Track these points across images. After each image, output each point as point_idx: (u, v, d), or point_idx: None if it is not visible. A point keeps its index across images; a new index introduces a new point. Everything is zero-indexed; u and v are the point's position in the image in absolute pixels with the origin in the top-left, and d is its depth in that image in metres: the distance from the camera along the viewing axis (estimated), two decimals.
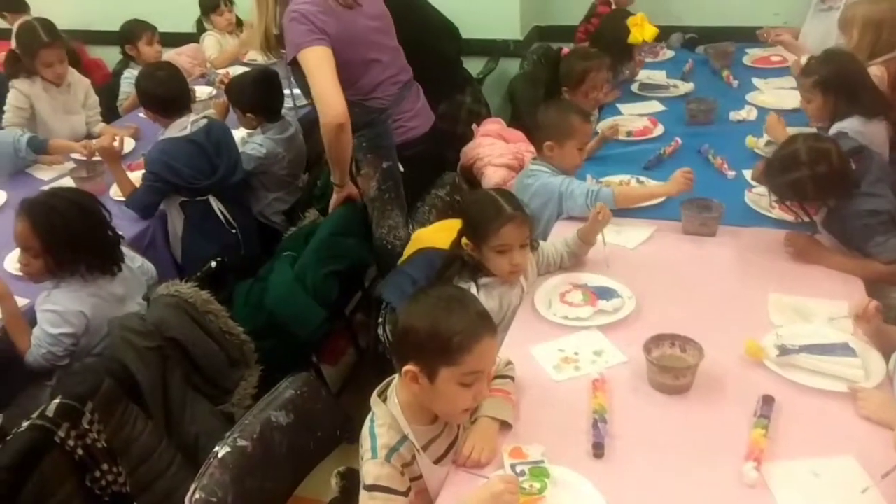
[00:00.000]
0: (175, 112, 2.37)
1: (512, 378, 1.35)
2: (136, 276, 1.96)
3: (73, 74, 2.86)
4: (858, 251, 1.66)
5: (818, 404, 1.29)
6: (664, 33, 3.07)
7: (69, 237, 1.74)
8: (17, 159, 2.61)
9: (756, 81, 2.86)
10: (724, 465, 1.17)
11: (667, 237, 1.87)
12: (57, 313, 1.76)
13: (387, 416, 1.20)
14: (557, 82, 2.61)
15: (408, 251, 2.01)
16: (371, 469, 1.16)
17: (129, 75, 3.19)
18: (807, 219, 1.72)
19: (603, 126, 2.49)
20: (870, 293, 1.57)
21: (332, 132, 2.00)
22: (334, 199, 2.27)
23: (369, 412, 1.24)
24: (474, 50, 3.38)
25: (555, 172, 2.02)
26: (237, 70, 3.34)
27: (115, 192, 2.41)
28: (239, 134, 2.68)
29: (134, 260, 1.98)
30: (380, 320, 1.87)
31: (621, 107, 2.78)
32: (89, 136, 2.84)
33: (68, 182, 2.44)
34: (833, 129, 1.98)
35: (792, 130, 2.12)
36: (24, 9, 3.81)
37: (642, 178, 2.15)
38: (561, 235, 1.82)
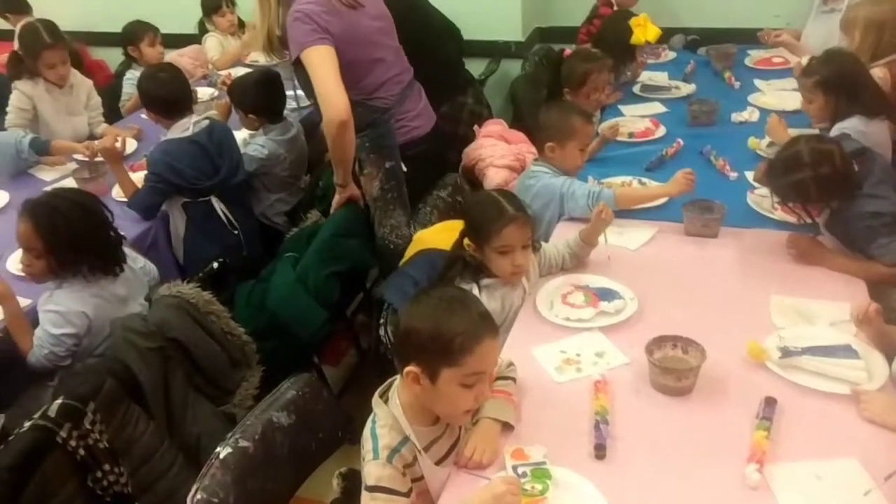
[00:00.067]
0: (177, 113, 2.37)
1: (514, 379, 1.35)
2: (138, 277, 1.96)
3: (76, 76, 2.87)
4: (861, 253, 1.66)
5: (821, 406, 1.29)
6: (666, 35, 3.07)
7: (71, 238, 1.74)
8: (20, 160, 2.61)
9: (758, 83, 2.86)
10: (727, 467, 1.17)
11: (669, 238, 1.86)
12: (59, 314, 1.76)
13: (388, 416, 1.20)
14: (559, 84, 2.61)
15: (409, 252, 2.01)
16: (372, 470, 1.16)
17: (132, 76, 3.19)
18: (809, 220, 1.72)
19: (603, 127, 2.49)
20: (872, 295, 1.57)
21: (334, 130, 2.01)
22: (336, 199, 2.27)
23: (371, 413, 1.24)
24: (476, 51, 3.38)
25: (556, 173, 2.02)
26: (239, 71, 3.35)
27: (118, 193, 2.41)
28: (241, 135, 2.68)
29: (136, 261, 1.98)
30: (381, 321, 1.87)
31: (623, 108, 2.78)
32: (91, 137, 2.84)
33: (70, 183, 2.44)
34: (834, 129, 1.98)
35: (793, 132, 2.12)
36: (27, 10, 3.82)
37: (644, 180, 2.15)
38: (562, 237, 1.82)
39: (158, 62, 3.07)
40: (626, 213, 1.92)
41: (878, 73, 2.18)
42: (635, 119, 2.63)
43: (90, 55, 4.02)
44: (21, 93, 2.71)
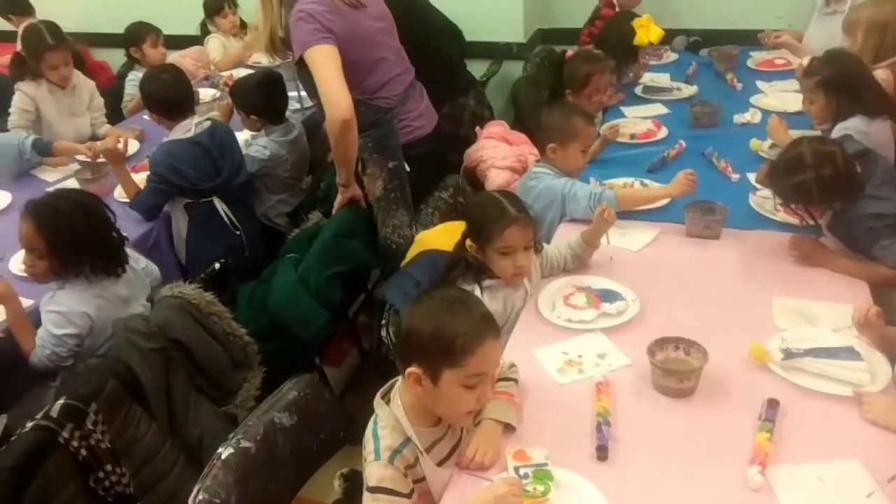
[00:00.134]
0: (179, 114, 2.37)
1: (515, 380, 1.35)
2: (140, 278, 1.97)
3: (78, 77, 2.87)
4: (864, 254, 1.66)
5: (823, 408, 1.28)
6: (668, 36, 3.07)
7: (74, 238, 1.75)
8: (22, 161, 2.62)
9: (760, 84, 2.85)
10: (729, 469, 1.17)
11: (671, 240, 1.86)
12: (61, 314, 1.76)
13: (390, 417, 1.20)
14: (561, 85, 2.61)
15: (411, 253, 2.01)
16: (374, 471, 1.16)
17: (134, 77, 3.20)
18: (812, 222, 1.72)
19: (604, 128, 2.49)
20: (875, 296, 1.57)
21: (338, 129, 2.01)
22: (339, 199, 2.27)
23: (372, 414, 1.24)
24: (477, 53, 3.38)
25: (558, 174, 2.02)
26: (241, 72, 3.36)
27: (120, 194, 2.42)
28: (242, 136, 2.69)
29: (138, 261, 1.99)
30: (383, 322, 1.87)
31: (625, 109, 2.78)
32: (94, 137, 2.85)
33: (73, 184, 2.45)
34: (836, 130, 1.98)
35: (795, 133, 2.11)
36: (30, 11, 3.83)
37: (646, 181, 2.15)
38: (564, 238, 1.82)
39: (160, 63, 3.07)
40: (627, 214, 1.92)
41: (881, 74, 2.18)
42: (637, 120, 2.63)
43: (92, 56, 4.03)
44: (24, 94, 2.72)
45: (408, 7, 2.55)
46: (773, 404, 1.27)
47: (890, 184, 1.69)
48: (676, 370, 1.33)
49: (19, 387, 1.83)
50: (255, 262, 2.40)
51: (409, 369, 1.16)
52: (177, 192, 2.33)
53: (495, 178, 2.52)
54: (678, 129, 2.51)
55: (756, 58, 3.12)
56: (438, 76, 2.55)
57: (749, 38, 3.15)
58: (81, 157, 2.62)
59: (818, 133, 2.07)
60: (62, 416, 1.42)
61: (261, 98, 2.61)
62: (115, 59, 3.85)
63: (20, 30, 3.20)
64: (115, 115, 3.14)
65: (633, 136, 2.49)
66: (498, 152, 2.60)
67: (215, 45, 3.73)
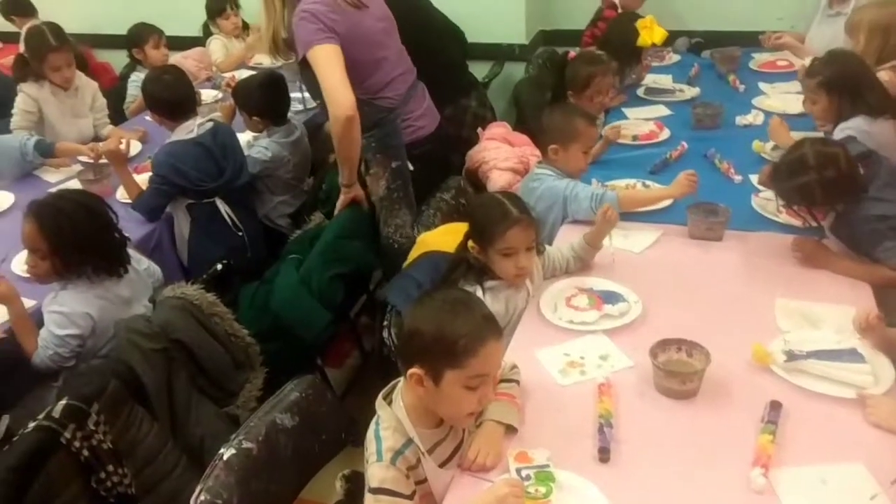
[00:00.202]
0: (181, 115, 2.38)
1: (517, 382, 1.35)
2: (143, 279, 1.97)
3: (81, 78, 2.88)
4: (866, 256, 1.65)
5: (826, 410, 1.28)
6: (670, 38, 3.07)
7: (76, 239, 1.75)
8: (25, 163, 2.62)
9: (762, 86, 2.85)
10: (731, 471, 1.16)
11: (673, 241, 1.86)
12: (63, 315, 1.77)
13: (392, 419, 1.20)
14: (563, 86, 2.61)
15: (413, 255, 2.01)
16: (376, 472, 1.16)
17: (136, 78, 3.21)
18: (814, 223, 1.72)
19: (606, 130, 2.49)
20: (878, 298, 1.56)
21: (341, 126, 2.02)
22: (341, 200, 2.27)
23: (374, 415, 1.23)
24: (479, 54, 3.38)
25: (560, 176, 2.02)
26: (243, 74, 3.36)
27: (122, 195, 2.42)
28: (244, 137, 2.69)
29: (140, 262, 1.99)
30: (385, 323, 1.87)
31: (627, 111, 2.78)
32: (97, 138, 2.85)
33: (75, 184, 2.45)
34: (838, 130, 1.97)
35: (797, 135, 2.11)
36: (33, 13, 3.84)
37: (648, 183, 2.15)
38: (566, 240, 1.82)
39: (163, 64, 3.08)
40: (630, 216, 1.92)
41: (884, 76, 2.17)
42: (639, 122, 2.63)
43: (95, 57, 4.04)
44: (26, 95, 2.72)
45: (409, 8, 2.55)
46: (775, 406, 1.27)
47: (893, 185, 1.68)
48: (679, 372, 1.33)
49: (21, 387, 1.83)
50: (257, 263, 2.40)
51: (411, 370, 1.16)
52: (179, 193, 2.33)
53: (497, 180, 2.52)
54: (680, 130, 2.51)
55: (758, 59, 3.12)
56: (440, 77, 2.55)
57: (751, 40, 3.15)
58: (83, 158, 2.62)
59: (821, 135, 2.06)
60: (64, 416, 1.42)
61: (263, 99, 2.61)
62: (117, 60, 3.86)
63: (23, 31, 3.22)
64: (117, 116, 3.15)
65: (635, 138, 2.49)
66: (500, 154, 2.60)
67: (217, 47, 3.74)
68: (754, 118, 2.53)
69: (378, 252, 2.31)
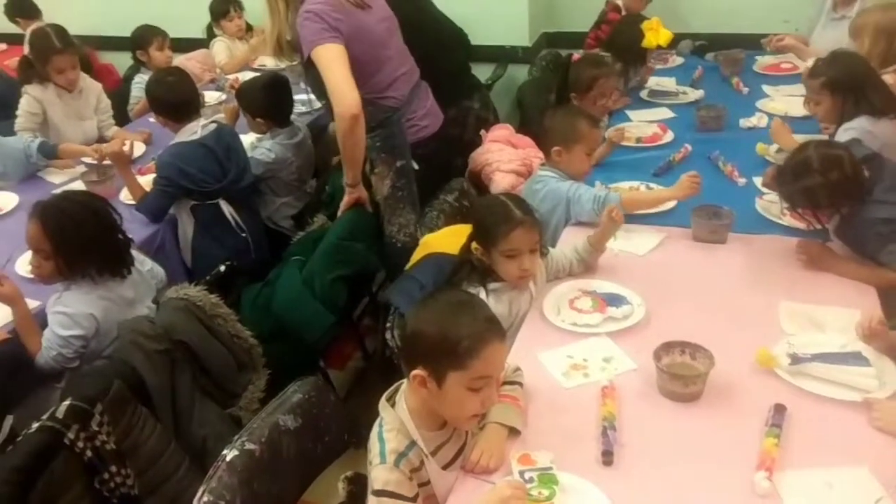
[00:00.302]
0: (185, 117, 2.38)
1: (520, 384, 1.35)
2: (146, 280, 1.97)
3: (85, 80, 2.89)
4: (871, 259, 1.65)
5: (831, 414, 1.28)
6: (674, 40, 3.06)
7: (80, 240, 1.75)
8: (29, 164, 2.63)
9: (766, 88, 2.85)
10: (735, 475, 1.16)
11: (677, 244, 1.86)
12: (67, 315, 1.77)
13: (395, 420, 1.20)
14: (566, 89, 2.61)
15: (416, 256, 2.01)
16: (380, 474, 1.16)
17: (140, 80, 3.21)
18: (819, 226, 1.71)
19: (610, 132, 2.49)
20: (882, 301, 1.56)
21: (346, 124, 2.02)
22: (345, 200, 2.28)
23: (376, 417, 1.23)
24: (483, 56, 3.38)
25: (563, 178, 2.02)
26: (247, 75, 3.37)
27: (126, 196, 2.42)
28: (248, 139, 2.70)
29: (144, 263, 1.99)
30: (388, 325, 1.87)
31: (631, 113, 2.78)
32: (101, 140, 2.86)
33: (79, 186, 2.46)
34: (840, 130, 1.97)
35: (799, 137, 2.11)
36: (37, 15, 3.86)
37: (652, 185, 2.14)
38: (569, 242, 1.82)
39: (167, 66, 3.08)
40: (633, 218, 1.92)
41: (889, 79, 2.17)
42: (643, 124, 2.63)
43: (99, 59, 4.05)
44: (31, 97, 2.73)
45: (413, 10, 2.56)
46: (780, 409, 1.26)
47: None
48: (682, 375, 1.33)
49: (25, 388, 1.83)
50: (260, 264, 2.40)
51: (414, 372, 1.16)
52: (183, 195, 2.33)
53: (500, 182, 2.52)
54: (684, 132, 2.51)
55: (762, 62, 3.12)
56: (443, 80, 2.55)
57: (755, 43, 3.14)
58: (87, 160, 2.63)
59: (825, 137, 2.06)
60: (68, 417, 1.43)
61: (267, 101, 2.62)
62: (121, 62, 3.86)
63: (27, 33, 3.23)
64: (121, 117, 3.16)
65: (638, 140, 2.49)
66: (503, 156, 2.60)
67: (221, 49, 3.75)
68: (758, 121, 2.53)
69: (381, 253, 2.31)
